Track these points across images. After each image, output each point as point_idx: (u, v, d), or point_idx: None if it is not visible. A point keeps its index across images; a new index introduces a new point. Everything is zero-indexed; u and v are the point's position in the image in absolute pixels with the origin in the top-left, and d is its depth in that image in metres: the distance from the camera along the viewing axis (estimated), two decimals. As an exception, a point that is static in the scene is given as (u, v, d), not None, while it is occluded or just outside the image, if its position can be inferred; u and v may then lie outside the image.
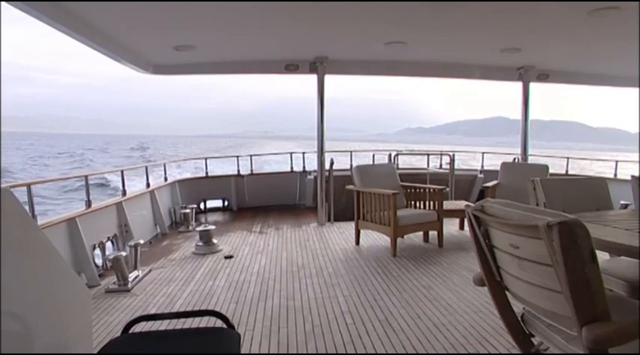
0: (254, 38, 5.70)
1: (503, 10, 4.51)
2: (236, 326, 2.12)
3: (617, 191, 4.28)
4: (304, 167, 9.07)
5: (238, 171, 8.85)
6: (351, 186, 5.75)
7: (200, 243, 5.55)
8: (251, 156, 9.16)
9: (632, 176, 3.18)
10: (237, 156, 9.03)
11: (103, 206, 5.20)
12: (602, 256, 2.05)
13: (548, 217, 1.39)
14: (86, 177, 5.26)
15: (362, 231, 5.84)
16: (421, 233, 5.82)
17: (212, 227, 5.72)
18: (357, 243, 5.74)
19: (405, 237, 5.89)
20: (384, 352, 2.87)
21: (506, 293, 1.90)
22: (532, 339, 1.96)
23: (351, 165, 7.57)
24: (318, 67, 7.00)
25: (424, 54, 6.85)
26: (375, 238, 5.96)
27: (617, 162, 8.52)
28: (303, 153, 9.21)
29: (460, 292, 3.93)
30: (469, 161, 9.39)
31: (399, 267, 4.72)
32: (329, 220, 7.30)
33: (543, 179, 2.71)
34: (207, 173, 8.68)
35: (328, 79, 7.10)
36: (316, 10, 4.52)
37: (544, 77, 7.69)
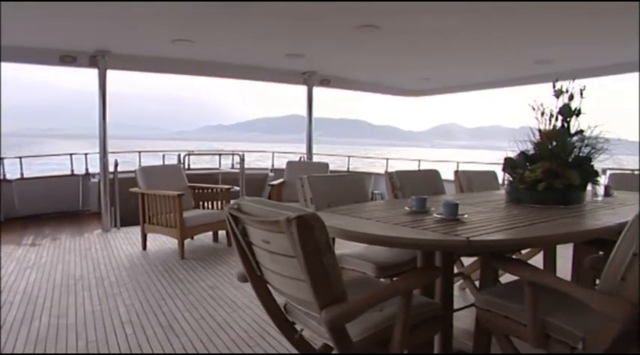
0: (25, 20, 4.93)
1: (288, 16, 4.75)
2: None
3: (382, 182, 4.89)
4: (87, 169, 8.27)
5: (4, 174, 7.62)
6: (135, 189, 5.44)
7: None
8: (20, 158, 7.99)
9: (386, 171, 3.66)
10: (2, 158, 7.76)
11: None
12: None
13: (290, 212, 1.50)
14: None
15: (150, 235, 5.57)
16: (211, 233, 5.81)
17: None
18: (144, 247, 5.46)
19: (195, 238, 5.82)
20: (162, 359, 2.79)
21: (268, 286, 2.00)
22: (295, 326, 2.09)
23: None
24: (100, 60, 6.43)
25: (214, 54, 6.85)
26: (163, 241, 5.75)
27: (387, 159, 9.81)
28: (86, 154, 8.37)
29: (245, 288, 4.01)
30: (268, 160, 9.73)
31: (186, 269, 4.64)
32: (115, 226, 6.79)
33: (310, 176, 2.93)
34: None
35: (125, 73, 6.59)
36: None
37: (326, 82, 8.38)
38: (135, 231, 6.35)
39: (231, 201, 1.95)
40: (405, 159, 10.90)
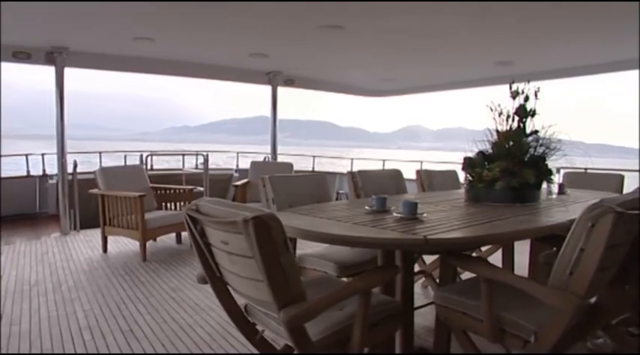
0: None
1: (252, 16, 4.73)
2: None
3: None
4: (44, 170, 8.00)
5: None
6: (95, 190, 5.30)
7: None
8: None
9: (348, 171, 3.68)
10: None
11: None
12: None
13: (247, 212, 1.49)
14: None
15: (110, 238, 5.43)
16: (174, 234, 5.72)
17: None
18: (105, 250, 5.33)
19: (158, 239, 5.71)
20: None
21: (228, 287, 1.98)
22: (256, 327, 2.08)
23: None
24: (57, 58, 6.23)
25: (176, 53, 6.75)
26: (124, 244, 5.63)
27: (352, 159, 9.89)
28: (43, 154, 8.10)
29: (208, 289, 3.93)
30: (233, 160, 9.65)
31: (148, 272, 4.55)
32: (75, 228, 6.60)
33: (271, 176, 2.93)
34: None
35: (86, 71, 6.39)
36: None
37: (290, 82, 8.37)
38: (95, 234, 6.18)
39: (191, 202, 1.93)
40: (370, 159, 11.01)
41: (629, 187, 4.67)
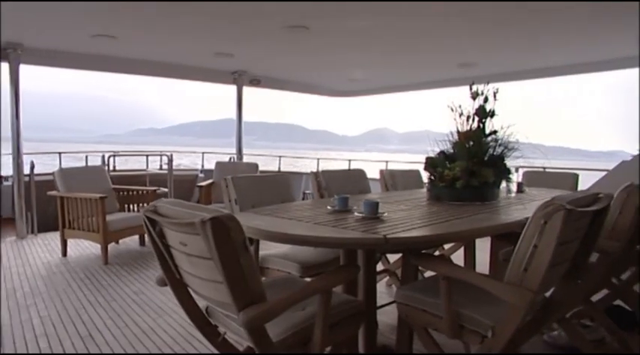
0: None
1: (216, 15, 4.68)
2: None
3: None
4: None
5: None
6: (54, 192, 5.14)
7: None
8: None
9: (312, 171, 3.69)
10: None
11: None
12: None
13: (205, 213, 1.47)
14: None
15: (70, 241, 5.29)
16: (137, 236, 5.60)
17: None
18: (64, 254, 5.17)
19: (121, 241, 5.59)
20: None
21: (189, 289, 1.95)
22: (218, 329, 2.06)
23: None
24: (10, 54, 6.01)
25: (139, 51, 6.62)
26: (85, 247, 5.48)
27: (318, 159, 9.90)
28: None
29: (171, 292, 3.90)
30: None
31: (109, 275, 4.44)
32: (32, 232, 6.38)
33: (234, 177, 2.90)
34: None
35: (48, 70, 6.17)
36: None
37: (256, 82, 8.32)
38: (54, 237, 6.00)
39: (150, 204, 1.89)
40: (337, 159, 11.05)
41: (583, 185, 4.86)
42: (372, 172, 4.46)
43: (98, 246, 5.04)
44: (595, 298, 3.05)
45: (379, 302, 2.61)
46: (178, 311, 3.47)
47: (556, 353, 2.87)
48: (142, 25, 5.14)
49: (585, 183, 5.28)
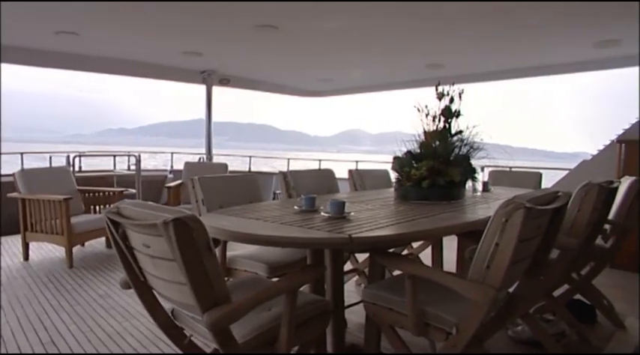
0: None
1: (184, 13, 4.61)
2: None
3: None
4: None
5: None
6: (14, 194, 4.98)
7: None
8: None
9: (280, 171, 3.69)
10: None
11: None
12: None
13: (168, 214, 1.45)
14: None
15: (33, 244, 5.13)
16: (104, 239, 5.48)
17: None
18: (26, 258, 5.01)
19: (87, 244, 5.46)
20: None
21: (154, 291, 1.92)
22: (184, 332, 2.04)
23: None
24: (-31, 52, 5.82)
25: (104, 49, 6.47)
26: (49, 250, 5.33)
27: (288, 159, 9.89)
28: None
29: (138, 295, 3.84)
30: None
31: (74, 279, 4.33)
32: (-7, 235, 6.17)
33: (201, 177, 2.87)
34: None
35: (11, 67, 5.95)
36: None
37: (226, 81, 8.24)
38: (15, 241, 5.80)
39: (112, 205, 1.86)
40: (308, 160, 11.06)
41: (547, 184, 5.00)
42: (342, 172, 4.49)
43: (62, 249, 4.90)
44: (556, 293, 3.15)
45: (348, 301, 2.63)
46: (145, 313, 3.39)
47: (520, 348, 2.94)
48: (105, 21, 5.02)
49: (549, 182, 5.44)
